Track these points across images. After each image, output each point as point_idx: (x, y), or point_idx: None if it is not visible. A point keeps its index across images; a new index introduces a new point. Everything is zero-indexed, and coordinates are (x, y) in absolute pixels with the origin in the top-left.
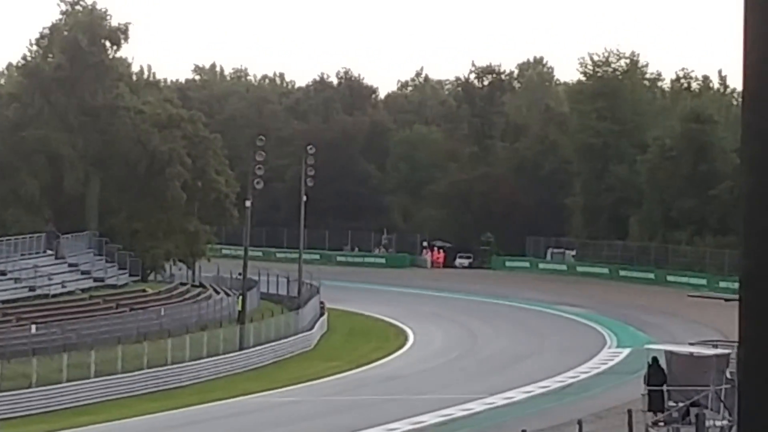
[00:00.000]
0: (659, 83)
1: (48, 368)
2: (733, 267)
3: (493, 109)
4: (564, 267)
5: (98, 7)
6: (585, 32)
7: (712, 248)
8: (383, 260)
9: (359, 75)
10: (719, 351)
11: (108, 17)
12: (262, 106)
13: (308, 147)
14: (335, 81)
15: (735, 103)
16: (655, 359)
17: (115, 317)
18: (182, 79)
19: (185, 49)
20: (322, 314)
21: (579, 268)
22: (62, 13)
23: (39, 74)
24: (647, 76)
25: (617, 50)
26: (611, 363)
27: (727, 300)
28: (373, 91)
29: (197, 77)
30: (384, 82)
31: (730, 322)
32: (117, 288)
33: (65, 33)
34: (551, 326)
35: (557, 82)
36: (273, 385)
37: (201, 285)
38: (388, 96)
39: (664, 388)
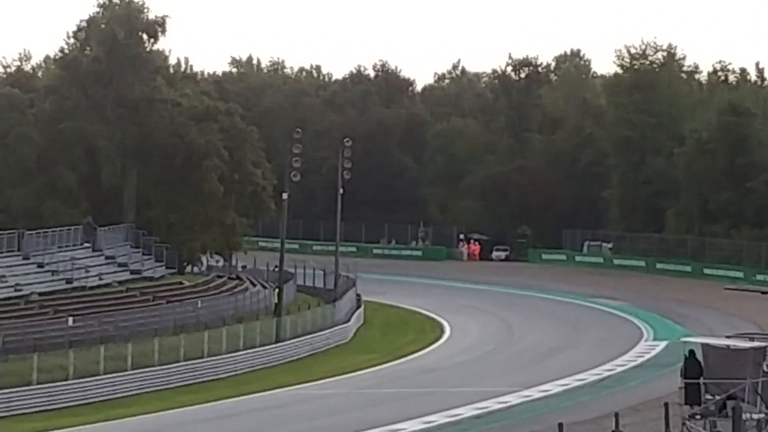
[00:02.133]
0: (696, 76)
1: (85, 360)
2: None
3: (530, 101)
4: (600, 260)
5: None
6: (622, 25)
7: (749, 241)
8: (420, 253)
9: (396, 67)
10: (756, 344)
11: (145, 10)
12: (299, 99)
13: (345, 139)
14: (372, 73)
15: None
16: (691, 352)
17: (151, 309)
18: (219, 72)
19: (222, 41)
20: (358, 307)
21: (615, 261)
22: (99, 5)
23: (76, 67)
24: (684, 68)
25: (654, 43)
26: (648, 356)
27: (764, 293)
28: (410, 83)
29: (234, 70)
30: (421, 74)
31: (767, 314)
32: (154, 280)
33: (102, 26)
34: (587, 319)
35: (594, 75)
36: (309, 378)
37: (237, 277)
38: (425, 88)
39: (701, 381)
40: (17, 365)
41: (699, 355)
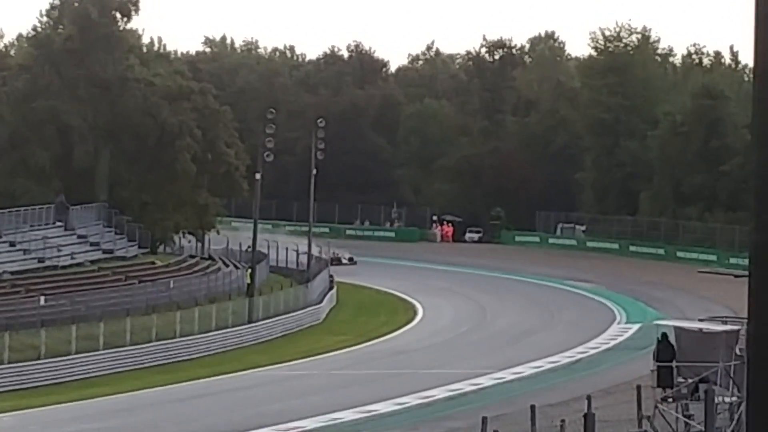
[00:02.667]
0: (671, 59)
1: (56, 340)
2: (743, 243)
3: (504, 83)
4: (574, 242)
5: None
6: (597, 7)
7: (723, 224)
8: (393, 234)
9: (370, 48)
10: (729, 327)
11: None
12: (273, 79)
13: (318, 120)
14: (346, 54)
15: (746, 78)
16: (664, 335)
17: (124, 289)
18: (192, 51)
19: (195, 21)
20: (331, 288)
21: (589, 244)
22: None
23: (49, 45)
24: (659, 51)
25: (629, 25)
26: (620, 338)
27: (737, 276)
28: (383, 64)
29: (207, 49)
30: (395, 55)
31: (740, 298)
32: (126, 260)
33: (75, 4)
34: (560, 301)
35: (568, 57)
36: (282, 359)
37: (210, 257)
38: (399, 70)
39: (674, 364)
40: None
41: (672, 338)
